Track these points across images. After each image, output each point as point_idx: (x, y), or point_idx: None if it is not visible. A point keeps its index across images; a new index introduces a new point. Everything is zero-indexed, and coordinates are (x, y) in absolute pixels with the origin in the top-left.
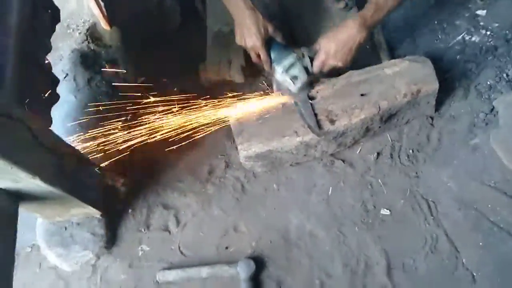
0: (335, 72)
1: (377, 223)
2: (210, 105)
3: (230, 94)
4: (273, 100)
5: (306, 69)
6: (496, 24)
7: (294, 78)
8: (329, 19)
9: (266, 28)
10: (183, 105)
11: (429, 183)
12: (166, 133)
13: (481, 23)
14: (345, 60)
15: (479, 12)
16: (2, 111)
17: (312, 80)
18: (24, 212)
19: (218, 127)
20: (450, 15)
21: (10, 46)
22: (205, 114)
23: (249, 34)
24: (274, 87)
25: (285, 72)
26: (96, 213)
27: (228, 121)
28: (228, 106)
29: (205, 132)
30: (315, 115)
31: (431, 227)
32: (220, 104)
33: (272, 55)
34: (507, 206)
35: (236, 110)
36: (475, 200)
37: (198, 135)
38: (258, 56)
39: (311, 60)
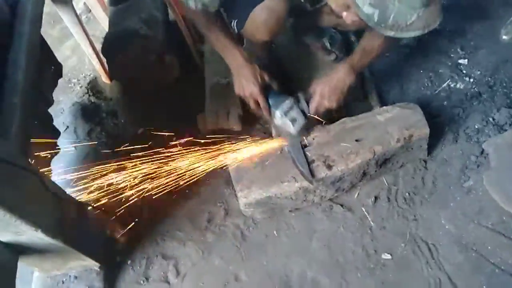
0: (328, 115)
1: (379, 268)
2: (210, 151)
3: (228, 142)
4: (272, 144)
5: (303, 112)
6: (478, 72)
7: (293, 121)
8: (321, 70)
9: (262, 76)
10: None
11: (428, 226)
12: (165, 181)
13: (464, 71)
14: (337, 101)
15: (461, 61)
16: (9, 158)
17: (308, 125)
18: (20, 266)
19: (217, 172)
20: (435, 64)
21: (17, 103)
22: (205, 159)
23: (247, 84)
24: (273, 132)
25: (284, 116)
26: (94, 265)
27: (227, 166)
28: (228, 151)
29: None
30: (312, 161)
31: (433, 270)
32: (220, 150)
33: (270, 101)
34: (506, 247)
35: (235, 155)
36: (475, 242)
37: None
38: (257, 103)
39: (307, 103)
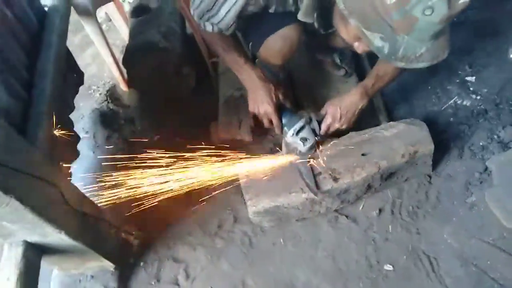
0: (336, 133)
1: (381, 278)
2: (221, 163)
3: (240, 156)
4: (281, 160)
5: (314, 131)
6: (485, 90)
7: (303, 140)
8: (330, 85)
9: (277, 96)
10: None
11: (430, 240)
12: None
13: (471, 88)
14: (348, 123)
15: (468, 78)
16: (36, 173)
17: (317, 143)
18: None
19: (229, 185)
20: (442, 81)
21: (44, 110)
22: (216, 171)
23: (262, 102)
24: (284, 149)
25: (295, 135)
26: (110, 266)
27: (238, 179)
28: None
29: (215, 190)
30: (319, 173)
31: (433, 283)
32: (231, 162)
33: (283, 120)
34: (506, 263)
35: (245, 168)
36: (475, 257)
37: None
38: (270, 121)
39: (319, 123)
